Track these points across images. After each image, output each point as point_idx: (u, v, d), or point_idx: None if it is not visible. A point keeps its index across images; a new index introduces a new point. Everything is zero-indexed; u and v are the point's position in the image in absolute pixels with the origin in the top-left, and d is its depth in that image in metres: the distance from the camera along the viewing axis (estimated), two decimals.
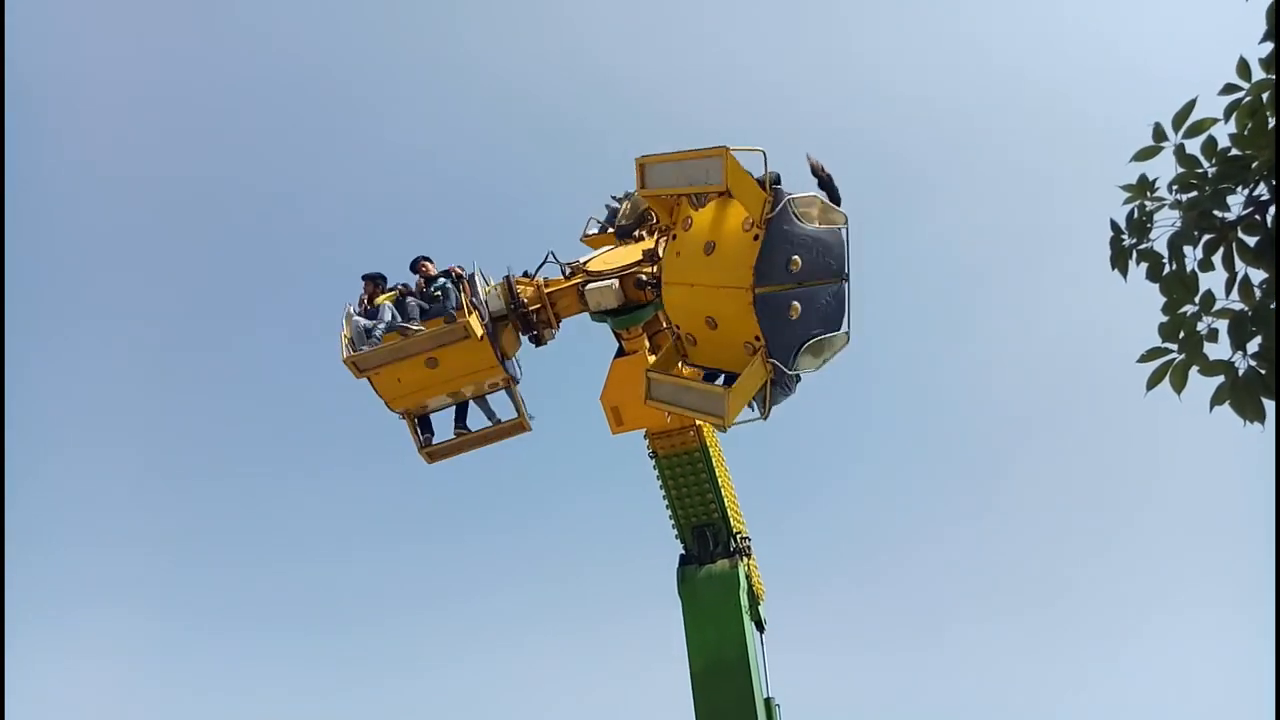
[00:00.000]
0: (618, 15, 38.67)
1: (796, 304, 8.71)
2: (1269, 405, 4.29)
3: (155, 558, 34.44)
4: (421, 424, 11.38)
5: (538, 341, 11.17)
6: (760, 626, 12.60)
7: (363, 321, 10.36)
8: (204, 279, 38.84)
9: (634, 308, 10.76)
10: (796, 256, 8.70)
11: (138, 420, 36.69)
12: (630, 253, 11.17)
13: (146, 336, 38.20)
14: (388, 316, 10.42)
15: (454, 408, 11.41)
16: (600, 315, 10.86)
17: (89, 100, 36.14)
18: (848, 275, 8.97)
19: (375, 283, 10.93)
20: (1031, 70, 36.90)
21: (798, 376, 9.35)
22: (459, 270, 10.80)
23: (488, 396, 11.34)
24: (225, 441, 37.87)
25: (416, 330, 10.26)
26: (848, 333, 9.03)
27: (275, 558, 36.74)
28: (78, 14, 34.42)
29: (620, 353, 11.27)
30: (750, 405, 9.42)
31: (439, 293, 10.65)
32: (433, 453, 11.37)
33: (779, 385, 9.19)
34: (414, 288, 10.91)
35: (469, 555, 38.26)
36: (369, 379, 10.55)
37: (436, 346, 10.34)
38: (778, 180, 9.00)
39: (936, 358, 37.52)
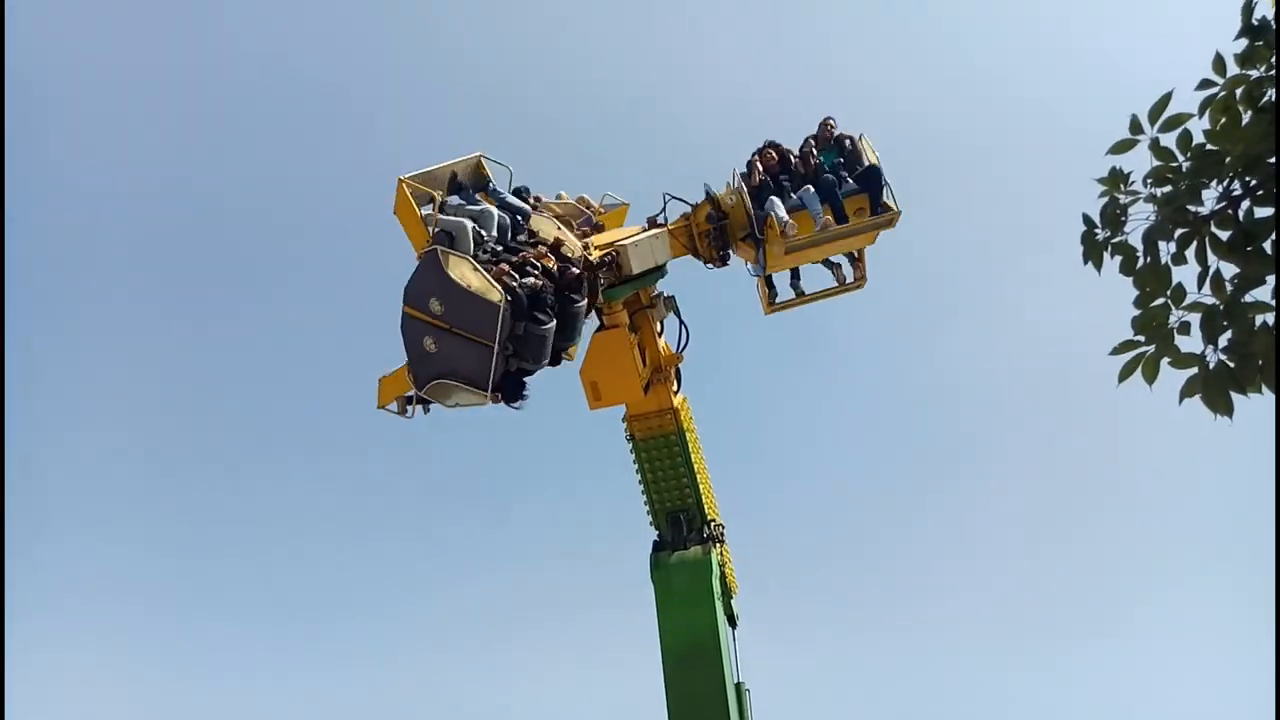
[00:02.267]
0: (608, 17, 38.56)
1: (430, 340, 9.14)
2: (1238, 399, 4.35)
3: (145, 550, 34.21)
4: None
5: None
6: (732, 621, 12.64)
7: None
8: (200, 277, 38.54)
9: (618, 282, 10.88)
10: (435, 300, 9.10)
11: (130, 412, 36.35)
12: (624, 232, 11.32)
13: (141, 330, 37.82)
14: None
15: None
16: None
17: (85, 97, 35.70)
18: (502, 344, 8.85)
19: None
20: (1002, 69, 37.13)
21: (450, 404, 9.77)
22: None
23: None
24: (208, 435, 37.56)
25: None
26: (485, 395, 9.09)
27: (245, 551, 36.46)
28: (68, 13, 33.87)
29: (601, 328, 11.33)
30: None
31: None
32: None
33: (421, 400, 9.83)
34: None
35: (444, 543, 38.17)
36: None
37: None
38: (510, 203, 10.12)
39: (912, 354, 37.78)
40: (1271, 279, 4.37)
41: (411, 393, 9.87)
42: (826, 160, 11.05)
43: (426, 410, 10.21)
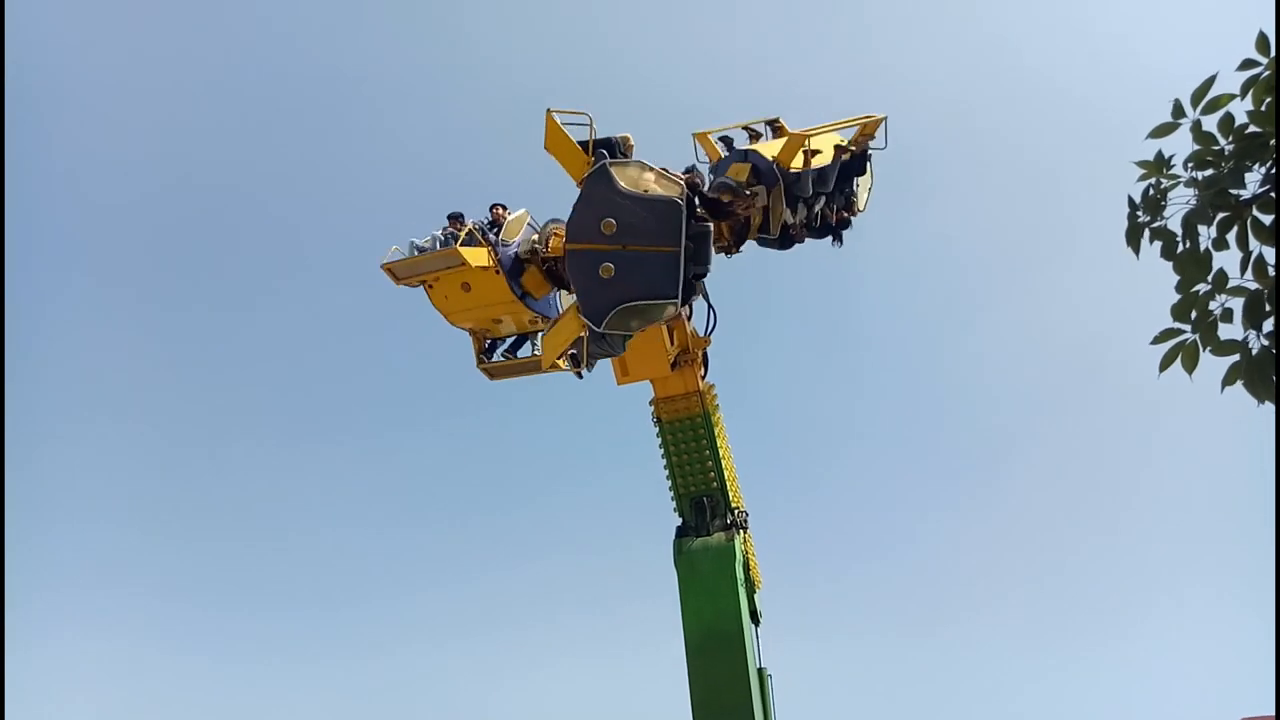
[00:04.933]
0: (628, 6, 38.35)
1: (610, 265, 8.94)
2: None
3: (149, 537, 34.54)
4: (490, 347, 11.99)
5: (568, 288, 11.52)
6: (755, 619, 12.60)
7: (414, 241, 11.10)
8: (201, 273, 38.84)
9: None
10: (611, 219, 8.94)
11: (130, 403, 36.69)
12: None
13: (141, 322, 38.17)
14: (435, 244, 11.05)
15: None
16: None
17: (92, 94, 36.01)
18: (685, 244, 8.91)
19: (456, 221, 11.39)
20: (1035, 60, 36.65)
21: (625, 336, 9.65)
22: (500, 209, 11.32)
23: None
24: (218, 422, 37.86)
25: (427, 249, 11.00)
26: (675, 301, 8.96)
27: (258, 539, 36.73)
28: (73, 13, 34.14)
29: None
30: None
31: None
32: (489, 370, 11.86)
33: (595, 341, 9.61)
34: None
35: (466, 533, 38.35)
36: (425, 290, 10.98)
37: (443, 268, 10.71)
38: (608, 146, 9.35)
39: (940, 348, 37.45)
40: None
41: (582, 337, 9.65)
42: None
43: (590, 368, 10.38)
